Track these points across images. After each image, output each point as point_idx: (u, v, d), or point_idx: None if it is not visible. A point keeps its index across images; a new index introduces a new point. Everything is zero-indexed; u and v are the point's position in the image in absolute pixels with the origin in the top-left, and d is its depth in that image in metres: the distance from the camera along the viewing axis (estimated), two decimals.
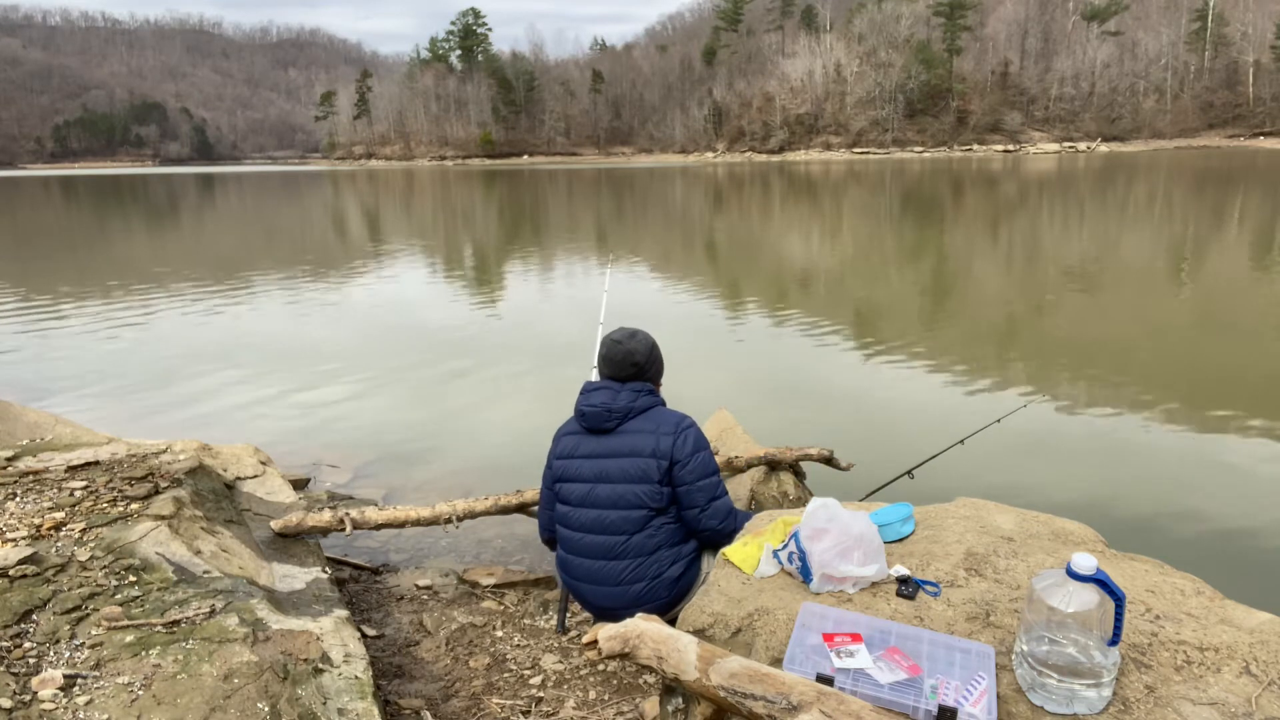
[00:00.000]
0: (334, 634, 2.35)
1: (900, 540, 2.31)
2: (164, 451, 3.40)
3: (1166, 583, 1.98)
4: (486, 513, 3.42)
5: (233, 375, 7.89)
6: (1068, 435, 5.82)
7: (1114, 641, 1.56)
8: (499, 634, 3.11)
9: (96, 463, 3.18)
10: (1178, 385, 7.07)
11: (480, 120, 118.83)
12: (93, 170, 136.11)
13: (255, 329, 10.23)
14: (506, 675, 2.80)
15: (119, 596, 2.23)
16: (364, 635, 2.65)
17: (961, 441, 3.76)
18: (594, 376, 2.97)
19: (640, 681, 2.73)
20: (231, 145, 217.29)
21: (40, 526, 2.57)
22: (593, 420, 2.66)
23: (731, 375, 7.61)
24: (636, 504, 2.57)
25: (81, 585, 2.25)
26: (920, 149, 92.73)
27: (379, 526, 3.32)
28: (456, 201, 39.56)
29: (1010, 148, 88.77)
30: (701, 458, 2.62)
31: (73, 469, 3.10)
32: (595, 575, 2.65)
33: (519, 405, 6.86)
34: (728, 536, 2.55)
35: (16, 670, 1.88)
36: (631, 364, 2.69)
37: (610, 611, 2.59)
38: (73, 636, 2.03)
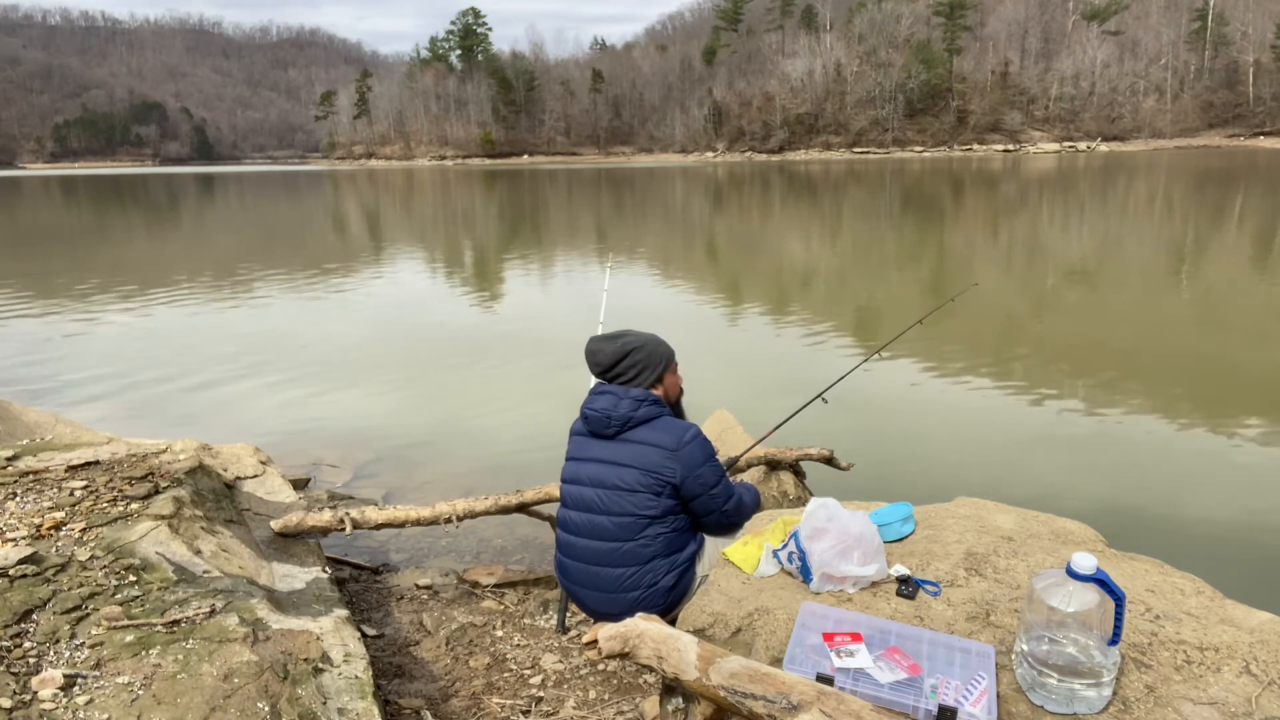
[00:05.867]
0: (334, 634, 2.35)
1: (900, 540, 2.31)
2: (164, 451, 3.40)
3: (1166, 582, 1.98)
4: (486, 512, 3.42)
5: (233, 375, 7.89)
6: (1069, 434, 5.83)
7: (1114, 641, 1.56)
8: (499, 633, 3.11)
9: (96, 462, 3.18)
10: (1178, 384, 7.08)
11: (480, 120, 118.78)
12: (93, 170, 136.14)
13: (256, 329, 10.23)
14: (506, 675, 2.80)
15: (119, 596, 2.23)
16: (364, 635, 2.65)
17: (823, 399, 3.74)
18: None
19: (640, 681, 2.73)
20: (231, 145, 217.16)
21: (40, 526, 2.57)
22: (594, 425, 2.67)
23: (731, 374, 7.61)
24: (632, 512, 2.56)
25: (81, 585, 2.25)
26: (920, 149, 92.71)
27: (379, 526, 3.32)
28: (456, 202, 39.56)
29: (1010, 147, 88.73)
30: (710, 465, 2.63)
31: (73, 469, 3.10)
32: (590, 580, 2.64)
33: (519, 405, 6.86)
34: (747, 518, 2.71)
35: (16, 670, 1.88)
36: (595, 363, 2.73)
37: (606, 616, 2.59)
38: (73, 636, 2.03)
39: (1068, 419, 6.12)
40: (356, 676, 2.16)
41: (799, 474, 3.91)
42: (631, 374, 2.70)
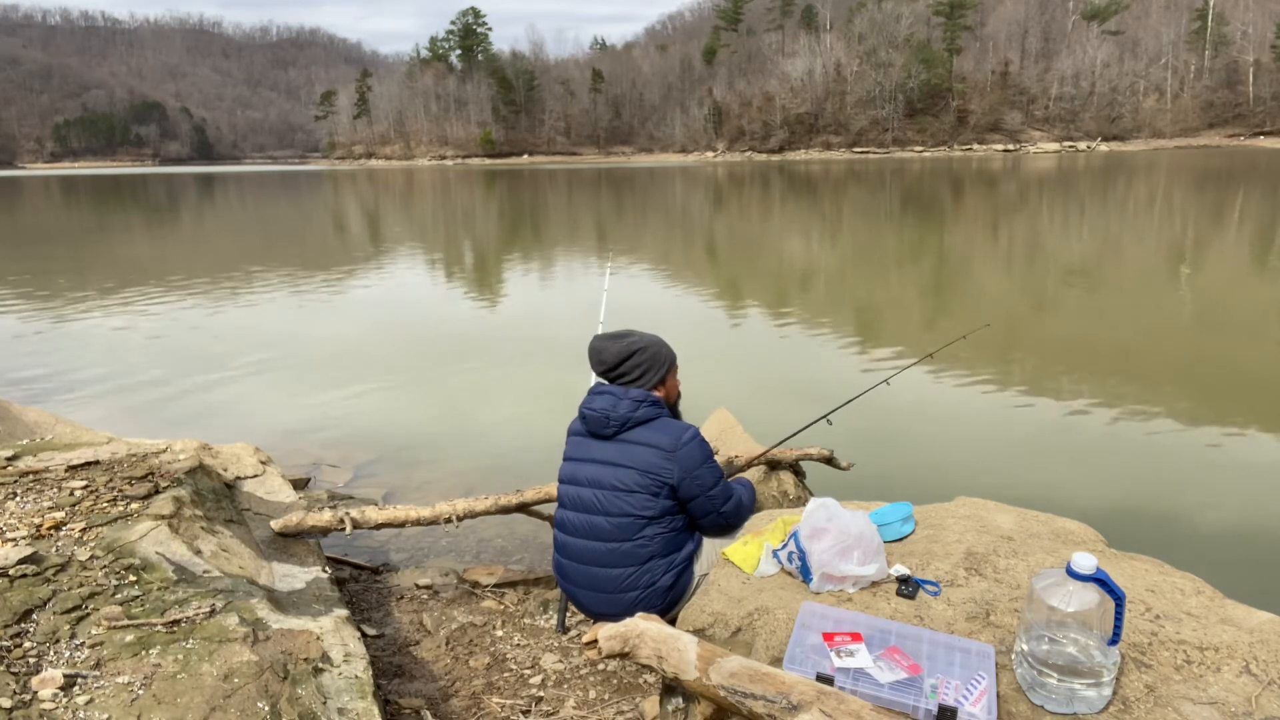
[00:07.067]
0: (334, 633, 2.35)
1: (900, 540, 2.31)
2: (164, 451, 3.40)
3: (1166, 582, 1.98)
4: (486, 512, 3.42)
5: (233, 375, 7.89)
6: (1068, 434, 5.82)
7: (1114, 641, 1.56)
8: (499, 633, 3.11)
9: (96, 462, 3.18)
10: (1178, 384, 7.08)
11: (480, 120, 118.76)
12: (93, 170, 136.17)
13: (256, 328, 10.23)
14: (506, 675, 2.80)
15: (119, 596, 2.23)
16: (364, 635, 2.65)
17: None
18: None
19: (640, 681, 2.73)
20: (231, 145, 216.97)
21: (40, 526, 2.57)
22: (592, 425, 2.66)
23: (731, 374, 7.61)
24: (629, 512, 2.56)
25: (81, 585, 2.25)
26: (920, 148, 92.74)
27: (379, 526, 3.32)
28: (456, 201, 39.57)
29: (1010, 147, 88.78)
30: (709, 466, 2.63)
31: (73, 469, 3.10)
32: (588, 580, 2.64)
33: (519, 405, 6.86)
34: (746, 519, 2.71)
35: (16, 670, 1.88)
36: (599, 361, 2.71)
37: (605, 616, 2.59)
38: (73, 636, 2.03)
39: (1068, 419, 6.12)
40: (356, 676, 2.16)
41: (799, 474, 3.90)
42: (635, 374, 2.70)
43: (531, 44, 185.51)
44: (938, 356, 4.69)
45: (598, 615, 2.68)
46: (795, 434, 3.70)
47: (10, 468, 3.09)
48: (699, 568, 2.67)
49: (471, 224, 27.62)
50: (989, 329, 6.25)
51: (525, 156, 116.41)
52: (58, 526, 2.59)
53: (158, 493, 2.91)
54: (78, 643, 2.01)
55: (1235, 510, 4.52)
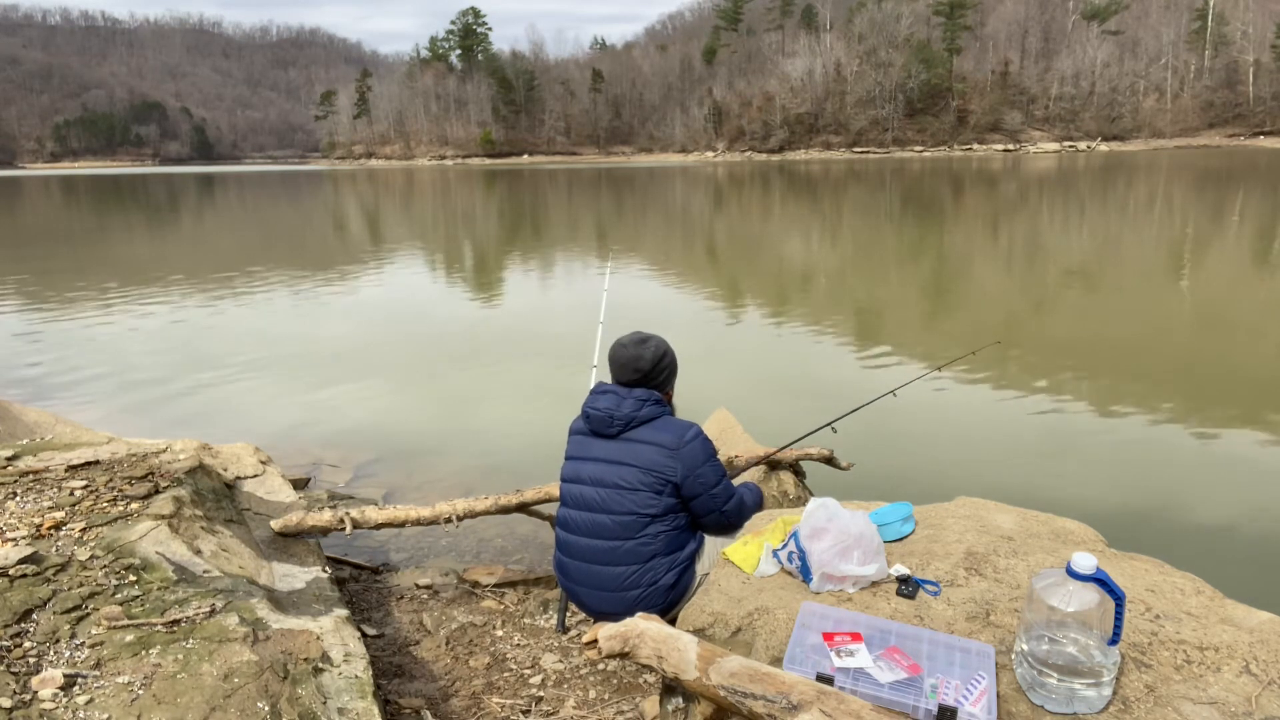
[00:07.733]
0: (334, 633, 2.35)
1: (900, 539, 2.31)
2: (164, 451, 3.40)
3: (1166, 582, 1.98)
4: (486, 512, 3.42)
5: (233, 375, 7.89)
6: (1068, 434, 5.82)
7: (1114, 641, 1.56)
8: (499, 633, 3.11)
9: (96, 462, 3.18)
10: (1179, 384, 7.07)
11: (480, 120, 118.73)
12: (93, 170, 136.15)
13: (256, 328, 10.23)
14: (506, 674, 2.80)
15: (119, 596, 2.23)
16: (364, 634, 2.65)
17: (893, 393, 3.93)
18: (594, 376, 2.96)
19: (640, 681, 2.73)
20: (231, 145, 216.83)
21: (40, 526, 2.57)
22: (596, 424, 2.67)
23: (731, 374, 7.61)
24: (633, 510, 2.56)
25: (81, 585, 2.25)
26: (920, 148, 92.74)
27: (379, 526, 3.32)
28: (457, 201, 39.56)
29: (1010, 147, 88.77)
30: (712, 464, 2.63)
31: (73, 468, 3.10)
32: (591, 579, 2.64)
33: (519, 404, 6.86)
34: (747, 519, 2.70)
35: (16, 670, 1.88)
36: (635, 369, 2.69)
37: (607, 615, 2.59)
38: (73, 636, 2.03)
39: (1068, 419, 6.12)
40: (356, 676, 2.16)
41: (799, 474, 3.90)
42: (663, 377, 2.73)
43: (531, 44, 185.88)
44: (936, 357, 4.68)
45: (599, 614, 2.68)
46: (798, 440, 3.70)
47: (10, 468, 3.09)
48: (701, 566, 2.67)
49: (472, 224, 27.62)
50: (991, 336, 6.28)
51: (525, 156, 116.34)
52: (58, 526, 2.59)
53: (158, 493, 2.91)
54: (78, 643, 2.01)
55: (1235, 510, 4.52)
